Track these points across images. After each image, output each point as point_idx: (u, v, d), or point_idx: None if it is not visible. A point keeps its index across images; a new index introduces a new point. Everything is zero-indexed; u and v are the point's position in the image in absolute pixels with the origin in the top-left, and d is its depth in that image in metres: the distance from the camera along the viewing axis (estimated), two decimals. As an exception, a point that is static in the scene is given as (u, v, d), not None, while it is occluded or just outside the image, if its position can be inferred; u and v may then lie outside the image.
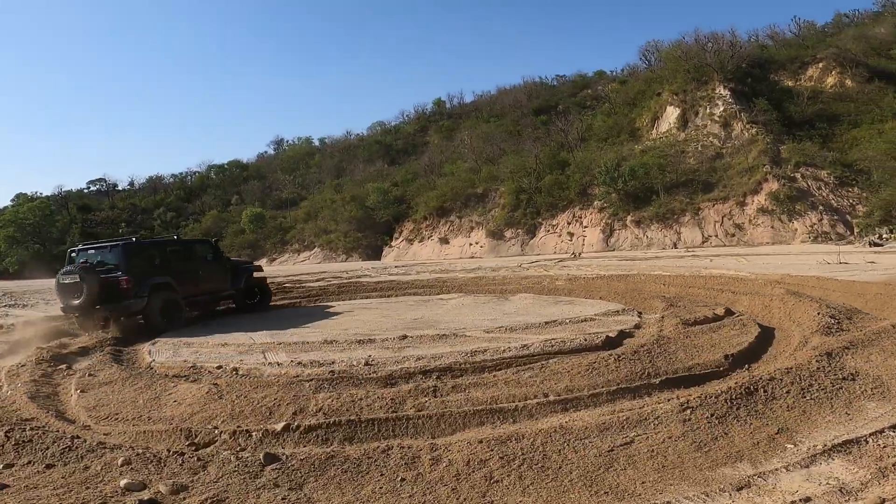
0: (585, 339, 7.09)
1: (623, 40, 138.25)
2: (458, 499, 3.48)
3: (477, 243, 42.54)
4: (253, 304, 13.54)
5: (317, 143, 79.19)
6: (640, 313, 9.61)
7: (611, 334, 7.35)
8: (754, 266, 17.84)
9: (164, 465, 3.88)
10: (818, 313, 7.99)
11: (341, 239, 49.37)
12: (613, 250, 34.79)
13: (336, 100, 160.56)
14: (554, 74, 69.30)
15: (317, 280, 21.70)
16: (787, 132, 36.31)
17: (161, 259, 11.52)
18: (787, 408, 4.61)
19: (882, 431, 3.95)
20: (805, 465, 3.57)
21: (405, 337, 7.97)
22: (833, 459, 3.61)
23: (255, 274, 13.91)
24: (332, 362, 6.66)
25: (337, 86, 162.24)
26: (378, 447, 4.13)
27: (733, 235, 31.88)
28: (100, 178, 76.36)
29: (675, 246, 33.09)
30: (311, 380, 5.92)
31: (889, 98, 37.76)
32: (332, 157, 69.41)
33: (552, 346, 6.80)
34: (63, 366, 7.69)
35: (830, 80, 41.46)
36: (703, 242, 32.43)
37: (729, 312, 8.94)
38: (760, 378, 5.11)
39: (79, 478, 3.75)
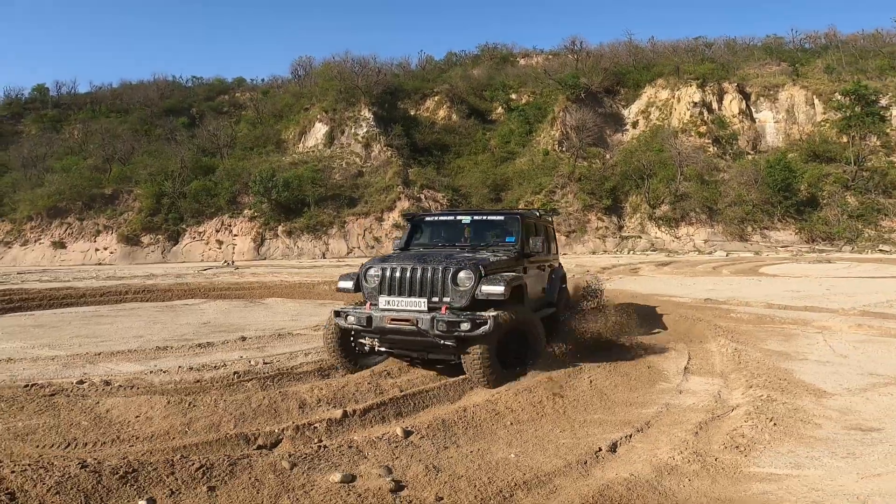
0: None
1: (265, 50, 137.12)
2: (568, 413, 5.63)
3: (106, 248, 37.47)
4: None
5: None
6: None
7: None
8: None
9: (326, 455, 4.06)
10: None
11: None
12: (265, 259, 35.21)
13: None
14: (190, 75, 64.56)
15: None
16: (413, 157, 42.56)
17: None
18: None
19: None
20: None
21: (244, 338, 8.39)
22: None
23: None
24: (224, 364, 6.71)
25: None
26: (454, 412, 5.05)
27: (373, 247, 35.90)
28: None
29: (324, 256, 35.43)
30: (249, 380, 6.08)
31: (480, 133, 47.84)
32: None
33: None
34: None
35: (442, 113, 50.07)
36: (349, 253, 35.62)
37: None
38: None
39: None
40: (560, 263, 9.27)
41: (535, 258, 7.65)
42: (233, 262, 32.66)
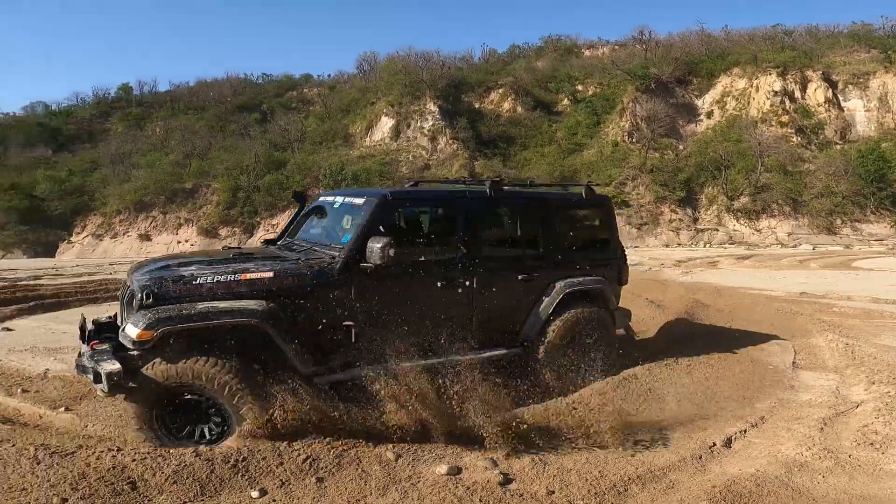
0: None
1: (330, 46, 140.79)
2: None
3: (187, 241, 39.45)
4: None
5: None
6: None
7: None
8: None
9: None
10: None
11: (-5, 233, 40.54)
12: (334, 252, 36.04)
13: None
14: (260, 72, 66.82)
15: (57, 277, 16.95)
16: (478, 149, 42.35)
17: None
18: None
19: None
20: None
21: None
22: None
23: None
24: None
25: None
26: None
27: (440, 239, 36.05)
28: None
29: (391, 248, 35.86)
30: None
31: (545, 125, 47.00)
32: (-32, 138, 55.61)
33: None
34: None
35: (507, 106, 49.43)
36: (416, 245, 35.89)
37: None
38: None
39: None
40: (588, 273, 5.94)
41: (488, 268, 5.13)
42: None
